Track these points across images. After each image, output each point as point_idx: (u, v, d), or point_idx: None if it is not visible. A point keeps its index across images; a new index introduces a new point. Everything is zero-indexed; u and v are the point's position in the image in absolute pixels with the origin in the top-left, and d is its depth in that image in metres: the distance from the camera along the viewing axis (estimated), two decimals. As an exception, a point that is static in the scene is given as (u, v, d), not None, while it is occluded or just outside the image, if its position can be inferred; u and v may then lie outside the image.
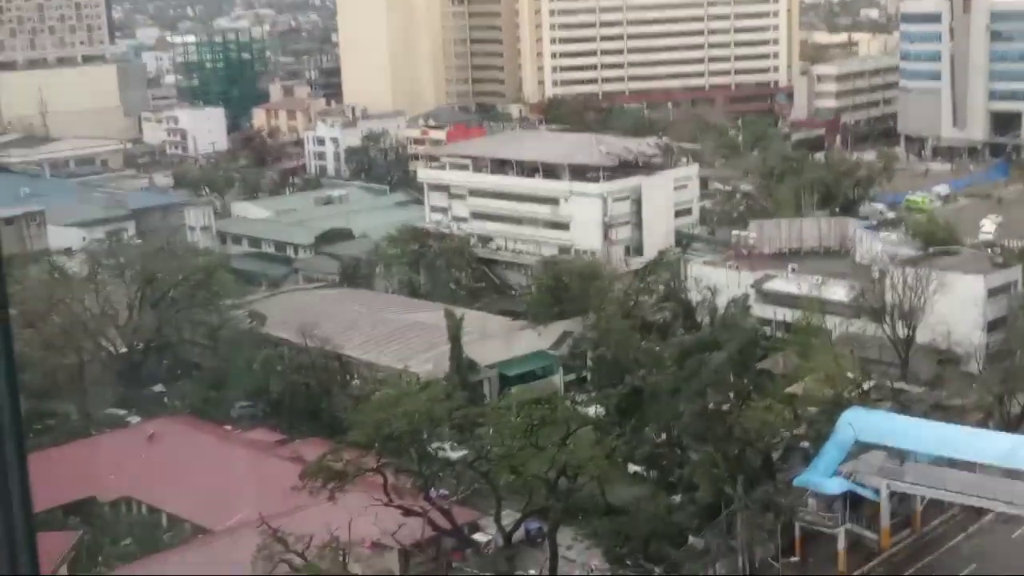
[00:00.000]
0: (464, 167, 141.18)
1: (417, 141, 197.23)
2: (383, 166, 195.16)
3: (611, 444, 71.91)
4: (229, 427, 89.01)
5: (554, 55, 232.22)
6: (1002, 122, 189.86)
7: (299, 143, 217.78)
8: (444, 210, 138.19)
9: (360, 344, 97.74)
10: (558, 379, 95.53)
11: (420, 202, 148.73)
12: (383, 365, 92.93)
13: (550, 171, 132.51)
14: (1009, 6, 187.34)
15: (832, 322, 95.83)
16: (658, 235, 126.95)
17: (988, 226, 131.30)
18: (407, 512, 65.42)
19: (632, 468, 79.20)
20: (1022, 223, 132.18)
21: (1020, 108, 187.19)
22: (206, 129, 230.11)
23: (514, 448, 67.22)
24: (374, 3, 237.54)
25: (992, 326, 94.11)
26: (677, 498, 74.52)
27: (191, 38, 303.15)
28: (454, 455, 73.42)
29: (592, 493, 72.22)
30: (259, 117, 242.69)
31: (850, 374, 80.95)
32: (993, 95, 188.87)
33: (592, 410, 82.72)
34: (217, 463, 78.93)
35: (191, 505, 74.06)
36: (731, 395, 77.56)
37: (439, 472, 70.50)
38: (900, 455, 73.65)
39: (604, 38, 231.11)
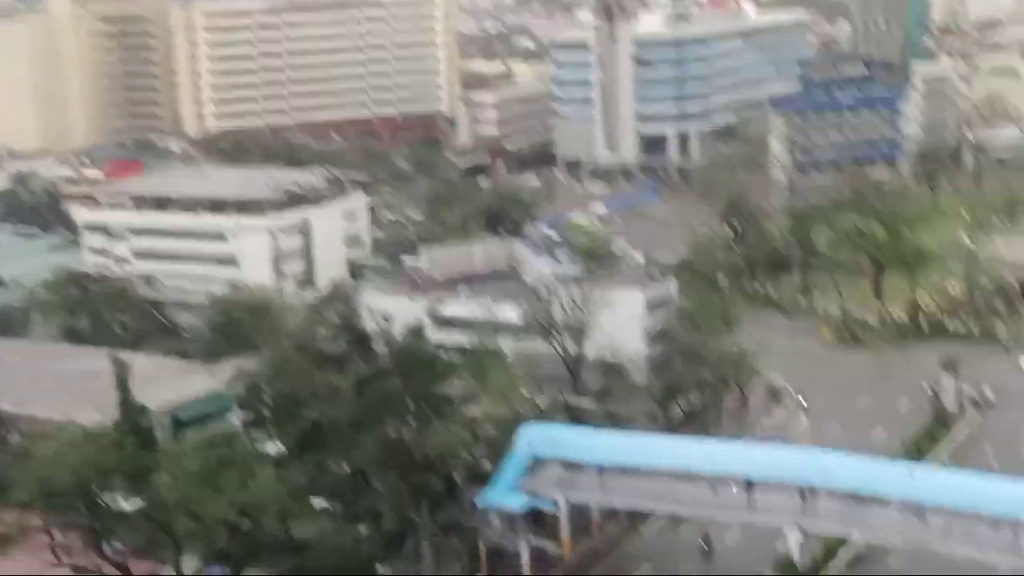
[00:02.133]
0: (124, 206, 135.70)
1: (71, 180, 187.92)
2: (35, 208, 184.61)
3: (293, 480, 70.68)
4: None
5: (214, 88, 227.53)
6: (651, 144, 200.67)
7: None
8: (104, 252, 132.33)
9: (18, 398, 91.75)
10: (235, 418, 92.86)
11: (78, 244, 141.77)
12: (44, 418, 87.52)
13: (216, 207, 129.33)
14: (652, 35, 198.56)
15: (506, 342, 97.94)
16: (330, 266, 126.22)
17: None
18: (78, 571, 61.85)
19: (317, 503, 77.98)
20: (675, 240, 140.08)
21: (666, 131, 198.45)
22: None
23: (192, 493, 64.95)
24: (13, 39, 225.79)
25: (653, 338, 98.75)
26: (363, 529, 73.97)
27: None
28: (128, 506, 69.99)
29: (276, 531, 70.60)
30: None
31: (525, 392, 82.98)
32: (641, 118, 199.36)
33: (272, 447, 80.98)
34: None
35: None
36: (411, 421, 77.77)
37: (112, 525, 67.08)
38: (576, 466, 76.09)
39: (265, 70, 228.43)
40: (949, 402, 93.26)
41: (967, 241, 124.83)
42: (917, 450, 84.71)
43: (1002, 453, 77.93)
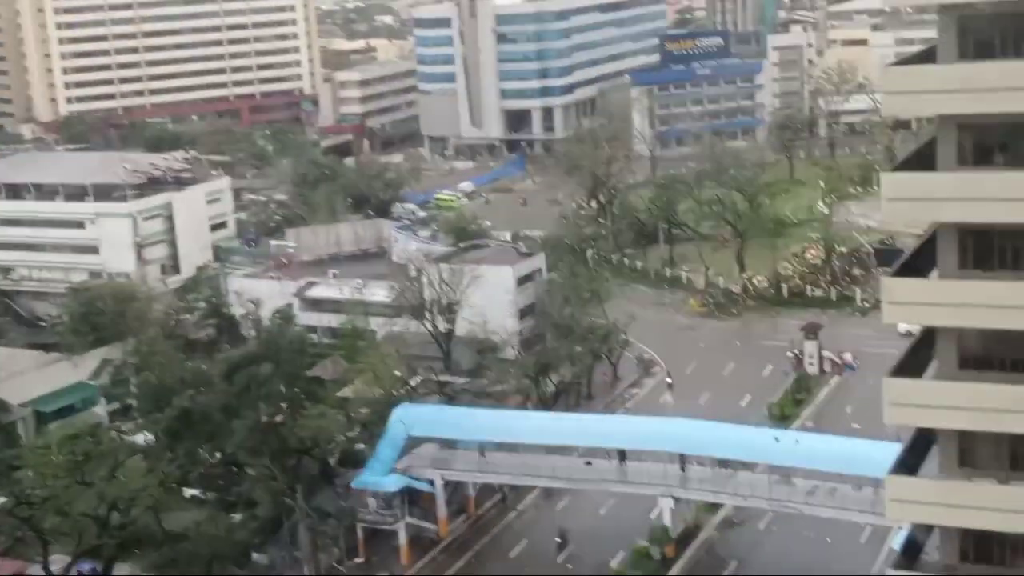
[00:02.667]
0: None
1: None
2: None
3: (164, 470, 69.79)
4: None
5: (65, 71, 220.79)
6: (515, 119, 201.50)
7: None
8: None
9: None
10: (101, 410, 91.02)
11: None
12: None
13: (73, 193, 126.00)
14: (512, 9, 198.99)
15: (376, 323, 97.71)
16: (195, 251, 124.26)
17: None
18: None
19: (189, 492, 77.02)
20: (542, 215, 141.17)
21: (529, 105, 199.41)
22: None
23: (58, 488, 63.69)
24: None
25: (523, 313, 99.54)
26: (238, 516, 73.28)
27: None
28: (-9, 504, 68.24)
29: (148, 523, 69.62)
30: None
31: (397, 372, 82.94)
32: (505, 94, 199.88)
33: (141, 438, 79.66)
34: None
35: None
36: (283, 406, 77.15)
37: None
38: (451, 445, 76.46)
39: (119, 51, 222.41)
40: (811, 367, 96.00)
41: (823, 208, 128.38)
42: (782, 415, 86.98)
43: (862, 415, 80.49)
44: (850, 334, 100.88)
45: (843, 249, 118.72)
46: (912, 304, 35.59)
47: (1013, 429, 34.73)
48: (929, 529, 38.25)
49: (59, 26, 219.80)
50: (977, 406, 34.64)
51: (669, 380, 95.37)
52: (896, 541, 46.27)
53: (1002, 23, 33.88)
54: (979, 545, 36.66)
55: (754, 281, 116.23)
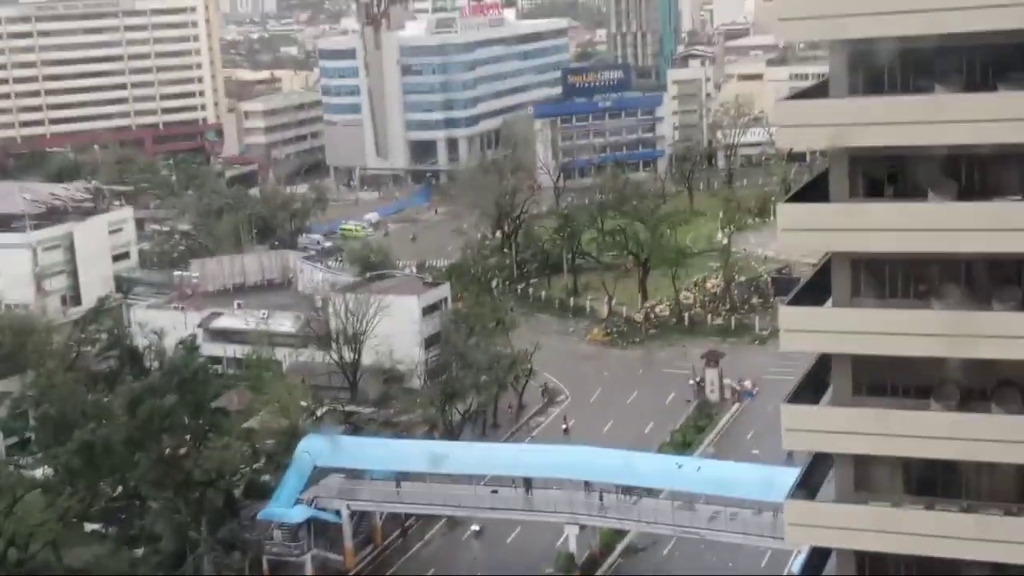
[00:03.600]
0: None
1: None
2: None
3: (64, 505, 68.63)
4: None
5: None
6: (420, 150, 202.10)
7: None
8: None
9: None
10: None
11: None
12: None
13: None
14: (417, 41, 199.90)
15: (282, 353, 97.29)
16: (97, 282, 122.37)
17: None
18: None
19: (90, 527, 75.84)
20: (447, 244, 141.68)
21: (434, 136, 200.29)
22: None
23: (-46, 524, 62.31)
24: None
25: (429, 342, 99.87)
26: (140, 551, 72.33)
27: None
28: None
29: (47, 560, 68.32)
30: None
31: (303, 403, 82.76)
32: (410, 125, 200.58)
33: (40, 472, 78.28)
34: None
35: None
36: (187, 437, 76.48)
37: None
38: (358, 475, 76.42)
39: (18, 80, 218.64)
40: (712, 394, 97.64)
41: (723, 238, 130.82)
42: (684, 442, 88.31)
43: (762, 442, 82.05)
44: (750, 361, 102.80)
45: (742, 278, 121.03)
46: (808, 332, 36.63)
47: (907, 453, 35.73)
48: (827, 552, 39.21)
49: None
50: (871, 431, 35.53)
51: (575, 401, 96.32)
52: (795, 565, 47.39)
53: (891, 58, 35.19)
54: (875, 567, 37.60)
55: (656, 310, 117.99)
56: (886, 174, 35.82)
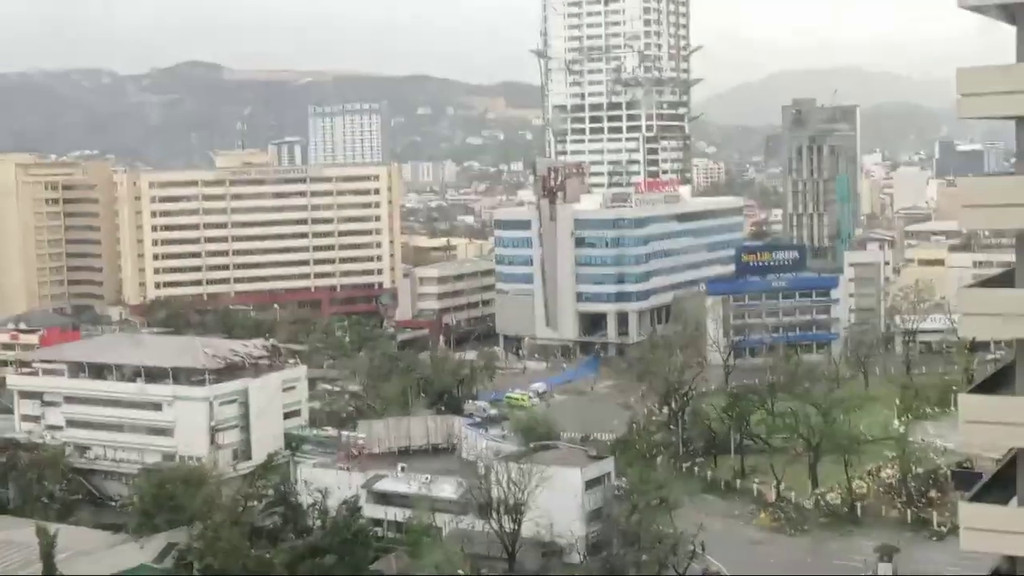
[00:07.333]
0: (59, 372, 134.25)
1: (6, 346, 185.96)
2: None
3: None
4: None
5: (156, 256, 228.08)
6: (590, 322, 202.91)
7: None
8: (37, 418, 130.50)
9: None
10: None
11: (10, 411, 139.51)
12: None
13: (152, 375, 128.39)
14: (591, 214, 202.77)
15: (443, 519, 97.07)
16: (267, 437, 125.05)
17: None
18: None
19: None
20: (613, 418, 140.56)
21: (604, 309, 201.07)
22: None
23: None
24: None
25: (591, 517, 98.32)
26: None
27: None
28: None
29: None
30: None
31: (461, 572, 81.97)
32: (581, 297, 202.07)
33: (199, 624, 79.05)
34: None
35: None
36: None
37: None
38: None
39: (208, 240, 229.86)
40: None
41: (899, 427, 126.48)
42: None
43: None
44: (926, 558, 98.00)
45: (919, 470, 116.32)
46: (991, 532, 34.83)
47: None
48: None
49: (154, 214, 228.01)
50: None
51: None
52: None
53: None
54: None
55: (827, 497, 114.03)
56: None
